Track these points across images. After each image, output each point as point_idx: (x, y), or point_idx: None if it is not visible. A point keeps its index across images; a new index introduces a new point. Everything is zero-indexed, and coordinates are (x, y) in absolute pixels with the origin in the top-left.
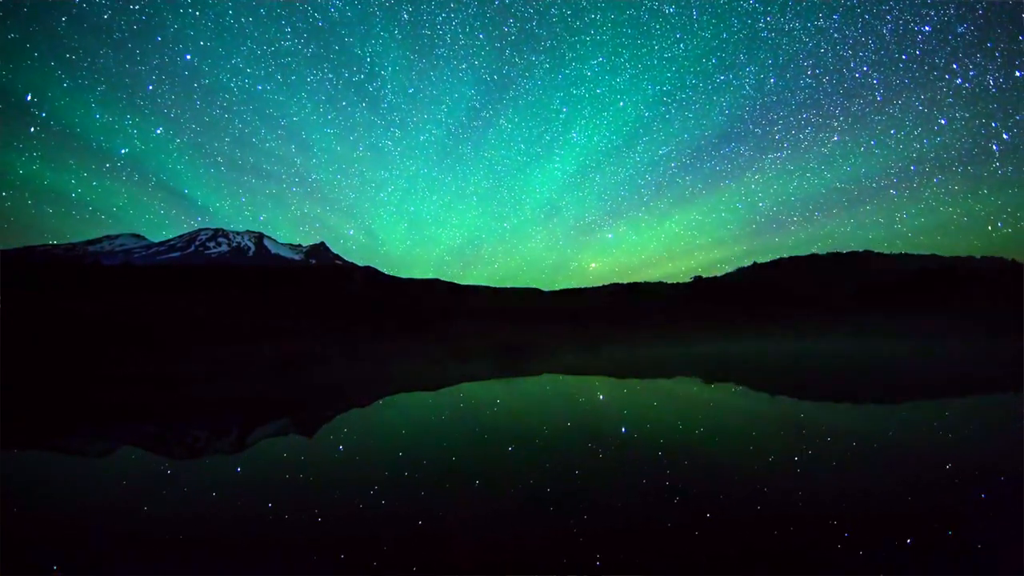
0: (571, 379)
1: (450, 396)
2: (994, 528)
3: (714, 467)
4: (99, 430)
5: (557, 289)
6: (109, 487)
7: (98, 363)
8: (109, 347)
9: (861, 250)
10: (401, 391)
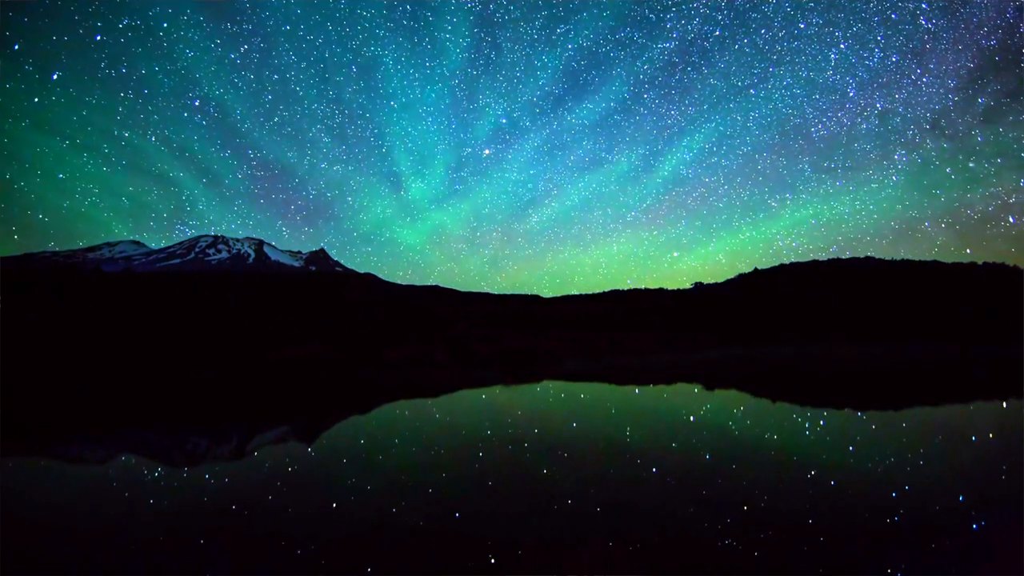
0: (572, 386)
1: (450, 403)
2: (994, 529)
3: (715, 469)
4: (99, 436)
5: (558, 295)
6: (109, 493)
7: (98, 370)
8: (109, 354)
9: (862, 256)
10: (401, 398)
